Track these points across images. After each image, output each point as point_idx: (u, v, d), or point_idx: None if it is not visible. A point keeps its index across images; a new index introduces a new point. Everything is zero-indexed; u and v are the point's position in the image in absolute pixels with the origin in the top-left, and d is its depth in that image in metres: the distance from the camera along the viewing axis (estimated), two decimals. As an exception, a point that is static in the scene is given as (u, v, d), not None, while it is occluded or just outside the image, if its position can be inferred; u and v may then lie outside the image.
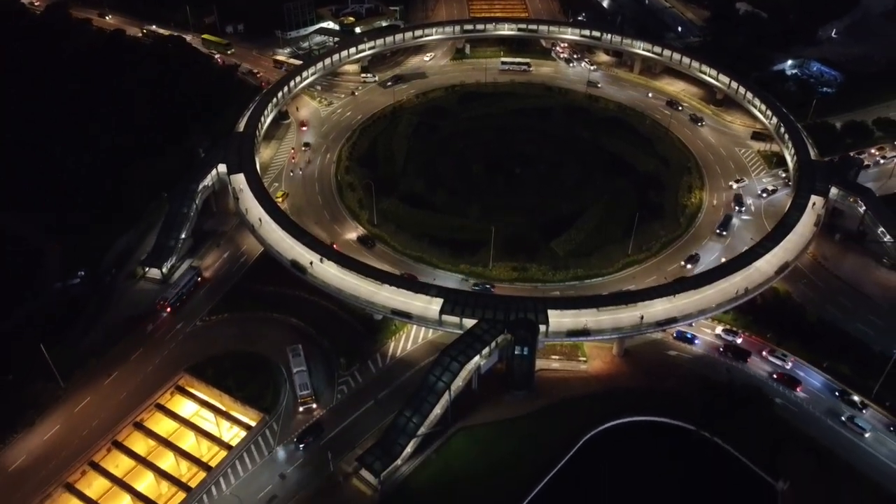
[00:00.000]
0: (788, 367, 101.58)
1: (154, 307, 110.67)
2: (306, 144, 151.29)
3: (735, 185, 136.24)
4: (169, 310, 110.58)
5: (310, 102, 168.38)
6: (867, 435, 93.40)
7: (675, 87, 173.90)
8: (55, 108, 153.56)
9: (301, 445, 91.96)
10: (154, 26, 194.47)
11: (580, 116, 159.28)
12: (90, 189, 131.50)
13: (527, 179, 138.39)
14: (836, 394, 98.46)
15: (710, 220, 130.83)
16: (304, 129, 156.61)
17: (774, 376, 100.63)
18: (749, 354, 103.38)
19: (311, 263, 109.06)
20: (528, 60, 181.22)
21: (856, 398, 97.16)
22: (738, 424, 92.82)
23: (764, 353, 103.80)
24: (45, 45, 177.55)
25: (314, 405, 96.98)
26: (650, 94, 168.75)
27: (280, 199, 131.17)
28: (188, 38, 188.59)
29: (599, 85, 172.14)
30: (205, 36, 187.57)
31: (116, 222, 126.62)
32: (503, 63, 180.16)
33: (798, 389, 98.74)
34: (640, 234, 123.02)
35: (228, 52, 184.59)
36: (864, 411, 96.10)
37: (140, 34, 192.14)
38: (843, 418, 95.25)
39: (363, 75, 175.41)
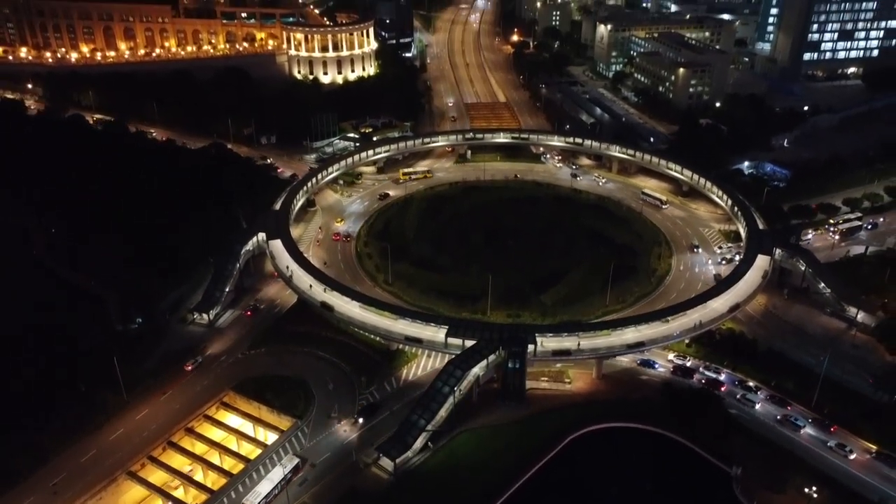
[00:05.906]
0: (722, 378, 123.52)
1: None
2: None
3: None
4: None
5: (333, 195, 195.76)
6: (757, 406, 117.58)
7: (647, 183, 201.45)
8: (119, 192, 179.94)
9: None
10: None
11: (565, 204, 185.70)
12: (148, 252, 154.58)
13: (518, 248, 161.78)
14: (736, 383, 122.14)
15: (677, 280, 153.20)
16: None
17: (703, 382, 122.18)
18: (694, 372, 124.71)
19: (324, 289, 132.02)
20: (665, 198, 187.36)
21: (751, 384, 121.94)
22: (696, 424, 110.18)
23: (700, 368, 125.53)
24: (108, 148, 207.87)
25: None
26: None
27: (340, 223, 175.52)
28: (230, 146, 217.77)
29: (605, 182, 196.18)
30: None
31: (169, 278, 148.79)
32: (643, 193, 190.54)
33: (723, 389, 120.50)
34: (617, 289, 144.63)
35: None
36: (758, 393, 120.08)
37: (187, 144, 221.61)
38: (737, 397, 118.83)
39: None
